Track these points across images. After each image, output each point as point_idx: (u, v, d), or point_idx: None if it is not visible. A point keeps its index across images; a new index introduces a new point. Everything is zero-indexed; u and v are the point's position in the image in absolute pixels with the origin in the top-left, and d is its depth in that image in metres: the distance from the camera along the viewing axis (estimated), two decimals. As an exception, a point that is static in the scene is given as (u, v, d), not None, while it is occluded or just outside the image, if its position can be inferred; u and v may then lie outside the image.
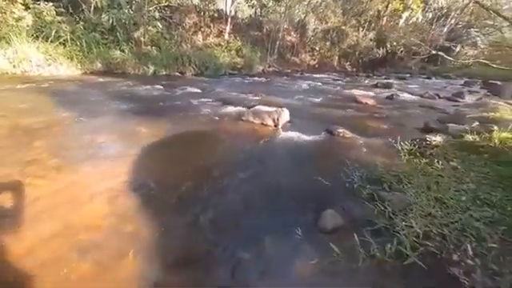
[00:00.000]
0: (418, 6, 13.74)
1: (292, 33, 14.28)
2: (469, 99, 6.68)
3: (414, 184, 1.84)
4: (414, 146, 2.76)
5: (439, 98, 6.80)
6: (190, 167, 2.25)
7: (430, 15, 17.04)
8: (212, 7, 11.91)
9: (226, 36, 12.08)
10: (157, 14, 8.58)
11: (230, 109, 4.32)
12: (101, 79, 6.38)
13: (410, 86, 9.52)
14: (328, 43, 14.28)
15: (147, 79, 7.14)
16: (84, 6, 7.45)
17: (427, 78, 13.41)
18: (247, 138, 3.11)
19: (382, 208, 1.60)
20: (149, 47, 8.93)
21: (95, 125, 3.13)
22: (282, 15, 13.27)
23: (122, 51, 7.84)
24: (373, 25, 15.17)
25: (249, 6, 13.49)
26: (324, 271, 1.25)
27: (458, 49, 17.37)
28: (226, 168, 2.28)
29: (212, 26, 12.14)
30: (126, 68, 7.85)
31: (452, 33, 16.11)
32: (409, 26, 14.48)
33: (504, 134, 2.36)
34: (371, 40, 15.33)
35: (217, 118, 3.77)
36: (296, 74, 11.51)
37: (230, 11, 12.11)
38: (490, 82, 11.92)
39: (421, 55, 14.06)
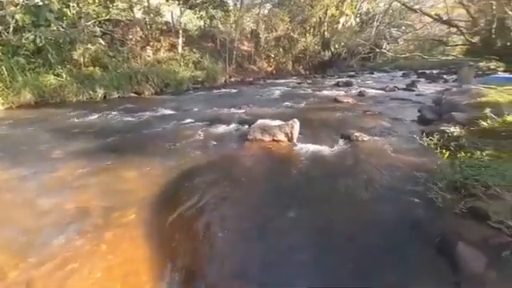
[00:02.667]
0: (352, 12, 15.44)
1: (246, 42, 14.28)
2: (421, 87, 7.55)
3: (497, 183, 1.67)
4: (439, 139, 2.73)
5: (398, 89, 7.48)
6: (220, 224, 1.66)
7: (358, 19, 19.42)
8: (159, 20, 10.96)
9: (180, 49, 11.26)
10: (97, 30, 7.33)
11: (224, 128, 3.76)
12: (33, 113, 4.98)
13: (365, 81, 10.37)
14: (281, 50, 14.74)
15: (98, 105, 5.94)
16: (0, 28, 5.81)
17: (371, 74, 15.03)
18: (266, 161, 2.64)
19: (498, 224, 1.36)
20: (91, 68, 7.56)
21: (49, 182, 2.20)
22: (233, 25, 13.17)
23: (58, 75, 6.39)
24: (317, 30, 16.36)
25: (197, 17, 12.97)
26: None
27: (384, 46, 20.19)
28: (268, 213, 1.78)
29: (162, 39, 11.17)
30: (65, 95, 6.41)
31: (379, 33, 18.59)
32: (346, 30, 16.09)
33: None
34: (316, 44, 16.50)
35: (215, 142, 3.17)
36: (259, 82, 11.42)
37: (180, 23, 11.37)
38: (420, 71, 14.07)
39: (361, 54, 15.78)
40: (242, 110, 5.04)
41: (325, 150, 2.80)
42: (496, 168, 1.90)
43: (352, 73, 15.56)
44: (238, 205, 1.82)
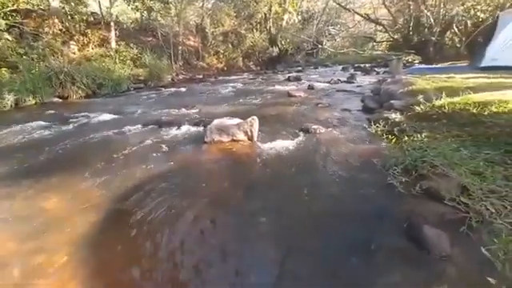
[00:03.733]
0: (294, 10, 16.13)
1: (191, 37, 13.50)
2: (359, 79, 8.36)
3: (441, 162, 1.84)
4: (384, 126, 2.97)
5: (341, 82, 8.12)
6: (174, 261, 1.41)
7: (300, 17, 20.53)
8: (83, 10, 9.36)
9: (113, 44, 9.92)
10: (2, 23, 5.77)
11: (176, 131, 3.38)
12: None
13: (311, 76, 10.97)
14: (230, 46, 14.47)
15: (7, 116, 4.76)
16: None
17: (316, 68, 16.06)
18: (228, 165, 2.42)
19: (452, 202, 1.48)
20: (-8, 68, 5.96)
21: None
22: (175, 18, 12.27)
23: None
24: (263, 26, 16.60)
25: (132, 9, 11.61)
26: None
27: (324, 42, 21.91)
28: (236, 232, 1.60)
29: (90, 33, 9.62)
30: (-46, 105, 4.89)
31: (319, 30, 20.03)
32: (291, 27, 16.80)
33: (450, 101, 2.89)
34: (264, 41, 16.78)
35: (166, 148, 2.79)
36: (210, 79, 10.95)
37: (111, 15, 9.96)
38: (356, 65, 15.70)
39: (306, 50, 16.72)
40: (195, 110, 4.66)
41: (287, 145, 2.74)
42: (436, 148, 2.11)
43: (299, 68, 16.36)
44: (198, 230, 1.53)
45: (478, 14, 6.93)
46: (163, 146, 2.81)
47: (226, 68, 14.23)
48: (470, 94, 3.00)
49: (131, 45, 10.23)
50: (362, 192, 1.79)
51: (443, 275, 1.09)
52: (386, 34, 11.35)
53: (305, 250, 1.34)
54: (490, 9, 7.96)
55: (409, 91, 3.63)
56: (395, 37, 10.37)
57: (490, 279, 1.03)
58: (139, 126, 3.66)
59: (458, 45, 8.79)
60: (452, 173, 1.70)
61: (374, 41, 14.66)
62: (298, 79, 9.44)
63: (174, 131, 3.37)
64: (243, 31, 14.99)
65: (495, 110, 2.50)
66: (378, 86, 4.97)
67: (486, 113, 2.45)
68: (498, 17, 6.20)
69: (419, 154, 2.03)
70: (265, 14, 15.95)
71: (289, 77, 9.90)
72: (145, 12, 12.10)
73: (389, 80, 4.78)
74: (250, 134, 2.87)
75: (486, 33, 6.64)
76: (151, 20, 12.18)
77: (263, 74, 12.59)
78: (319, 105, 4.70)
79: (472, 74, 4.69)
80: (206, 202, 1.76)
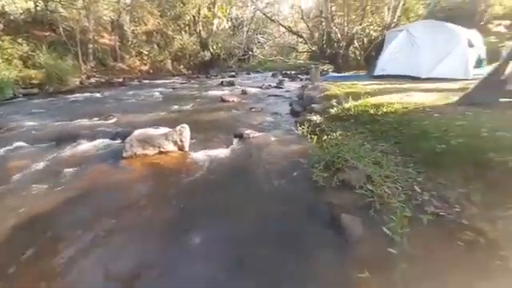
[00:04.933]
0: (224, 15, 16.31)
1: (106, 34, 11.74)
2: (287, 85, 9.13)
3: (351, 156, 2.14)
4: (308, 127, 3.27)
5: (271, 87, 8.65)
6: None
7: (230, 23, 20.96)
8: None
9: (-9, 38, 7.58)
10: None
11: (85, 147, 2.80)
12: None
13: (244, 81, 11.29)
14: (156, 46, 13.33)
15: None
16: None
17: (248, 74, 16.65)
18: (155, 182, 2.15)
19: (361, 189, 1.72)
20: None
21: None
22: (83, 11, 10.41)
23: None
24: (192, 29, 16.06)
25: (19, -6, 9.21)
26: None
27: (255, 49, 23.05)
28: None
29: None
30: None
31: (249, 38, 20.93)
32: (221, 32, 16.89)
33: (354, 104, 3.41)
34: (195, 44, 16.28)
35: (69, 169, 2.25)
36: (133, 83, 9.79)
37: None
38: (283, 72, 17.12)
39: (238, 56, 17.14)
40: (112, 120, 4.01)
41: (221, 152, 2.66)
42: (347, 144, 2.44)
43: (233, 73, 16.57)
44: (111, 268, 1.27)
45: (372, 32, 8.75)
46: (63, 167, 2.25)
47: (152, 71, 13.01)
48: (368, 97, 3.66)
49: (20, 40, 8.05)
50: (291, 190, 1.89)
51: (357, 254, 1.23)
52: (306, 46, 12.93)
53: (237, 253, 1.29)
54: (379, 29, 10.20)
55: (325, 96, 4.15)
56: (313, 48, 11.90)
57: (391, 250, 1.22)
58: (30, 143, 2.85)
59: (359, 57, 10.85)
60: (359, 164, 1.98)
61: (297, 51, 16.43)
62: (231, 84, 9.52)
63: (81, 147, 2.77)
64: (170, 32, 14.10)
65: (385, 110, 3.12)
66: (301, 91, 5.50)
67: (379, 113, 3.02)
68: (385, 35, 7.92)
69: (335, 150, 2.30)
70: (194, 17, 15.50)
71: (222, 81, 9.89)
72: (40, 1, 9.80)
73: (310, 86, 5.38)
74: (180, 143, 2.64)
75: (377, 48, 8.42)
76: (49, 11, 9.94)
77: (195, 79, 12.18)
78: (252, 109, 4.83)
79: (369, 82, 5.80)
80: (121, 232, 1.48)
